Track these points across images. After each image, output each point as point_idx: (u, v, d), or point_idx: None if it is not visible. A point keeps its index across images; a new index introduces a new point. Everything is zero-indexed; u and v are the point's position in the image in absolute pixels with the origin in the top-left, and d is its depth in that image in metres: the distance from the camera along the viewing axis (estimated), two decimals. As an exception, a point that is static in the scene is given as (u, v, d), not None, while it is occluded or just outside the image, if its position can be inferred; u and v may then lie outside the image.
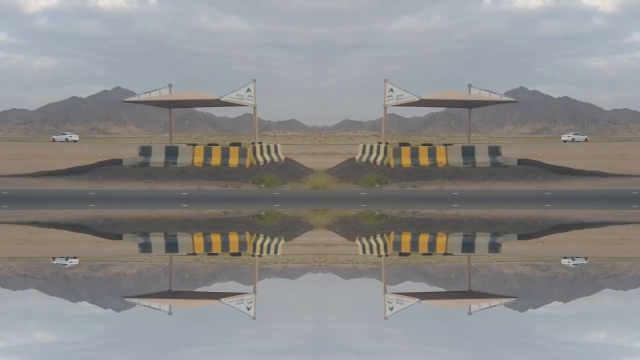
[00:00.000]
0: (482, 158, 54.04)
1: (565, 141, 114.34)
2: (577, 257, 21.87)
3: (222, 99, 54.62)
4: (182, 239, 27.24)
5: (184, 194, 48.39)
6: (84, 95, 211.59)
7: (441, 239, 26.76)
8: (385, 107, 59.05)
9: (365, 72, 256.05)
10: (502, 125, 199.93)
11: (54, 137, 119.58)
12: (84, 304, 15.57)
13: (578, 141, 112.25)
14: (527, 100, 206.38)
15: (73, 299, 15.97)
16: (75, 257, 21.61)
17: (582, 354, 11.16)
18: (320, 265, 19.73)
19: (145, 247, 25.27)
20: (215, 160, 53.61)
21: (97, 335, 12.40)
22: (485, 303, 15.47)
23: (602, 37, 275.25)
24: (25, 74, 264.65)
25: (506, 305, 15.17)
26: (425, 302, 15.25)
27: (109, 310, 14.78)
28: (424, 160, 54.09)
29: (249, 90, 55.62)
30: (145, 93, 56.68)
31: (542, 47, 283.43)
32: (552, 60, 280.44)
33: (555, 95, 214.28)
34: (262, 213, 39.55)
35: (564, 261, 21.21)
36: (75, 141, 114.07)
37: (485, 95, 56.27)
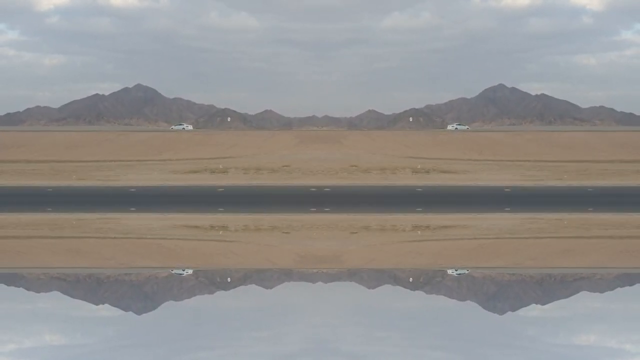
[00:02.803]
0: None
1: (450, 130, 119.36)
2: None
3: None
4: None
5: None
6: (106, 92, 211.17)
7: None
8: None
9: (354, 69, 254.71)
10: (474, 122, 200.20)
11: (172, 126, 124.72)
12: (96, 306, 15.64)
13: (460, 130, 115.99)
14: (506, 97, 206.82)
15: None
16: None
17: (572, 356, 11.33)
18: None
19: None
20: None
21: (107, 338, 12.42)
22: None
23: (592, 35, 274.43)
24: (35, 71, 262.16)
25: (497, 308, 15.36)
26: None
27: (120, 313, 14.87)
28: None
29: None
30: None
31: (532, 45, 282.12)
32: (542, 57, 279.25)
33: (533, 92, 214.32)
34: None
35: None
36: (190, 130, 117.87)
37: None
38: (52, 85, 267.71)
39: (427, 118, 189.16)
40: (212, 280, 19.30)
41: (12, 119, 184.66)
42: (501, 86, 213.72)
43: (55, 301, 15.88)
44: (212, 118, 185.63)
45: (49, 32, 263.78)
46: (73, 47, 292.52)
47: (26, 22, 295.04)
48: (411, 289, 17.73)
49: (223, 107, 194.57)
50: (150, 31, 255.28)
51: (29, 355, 11.37)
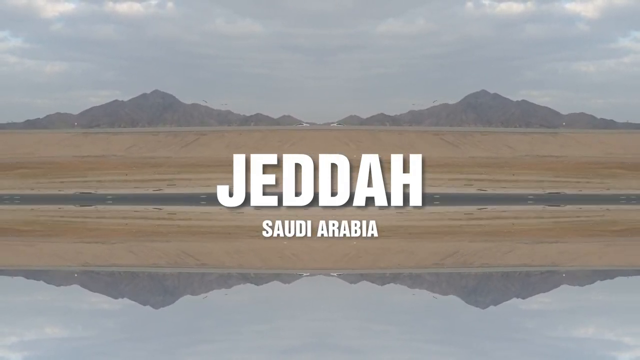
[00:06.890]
0: None
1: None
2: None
3: None
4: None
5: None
6: (125, 98, 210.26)
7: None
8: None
9: (352, 75, 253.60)
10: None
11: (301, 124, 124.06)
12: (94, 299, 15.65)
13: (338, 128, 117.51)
14: (487, 104, 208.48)
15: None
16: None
17: (571, 349, 11.34)
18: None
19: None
20: None
21: (106, 331, 12.41)
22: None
23: (589, 42, 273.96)
24: (36, 78, 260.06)
25: (479, 302, 15.39)
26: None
27: (119, 306, 14.86)
28: None
29: None
30: None
31: (529, 52, 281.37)
32: (540, 64, 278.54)
33: (514, 98, 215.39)
34: None
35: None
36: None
37: None
38: (63, 92, 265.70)
39: (395, 123, 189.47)
40: (246, 275, 19.16)
41: (34, 125, 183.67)
42: (483, 92, 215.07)
43: (67, 294, 15.93)
44: (245, 123, 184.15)
45: (52, 40, 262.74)
46: (74, 54, 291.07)
47: (30, 30, 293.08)
48: (380, 284, 17.65)
49: (238, 112, 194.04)
50: (153, 38, 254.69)
51: (31, 348, 11.37)
